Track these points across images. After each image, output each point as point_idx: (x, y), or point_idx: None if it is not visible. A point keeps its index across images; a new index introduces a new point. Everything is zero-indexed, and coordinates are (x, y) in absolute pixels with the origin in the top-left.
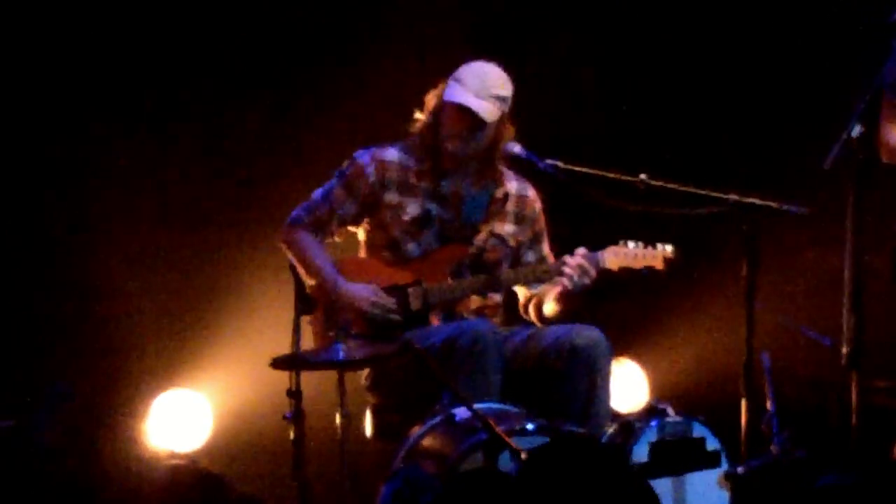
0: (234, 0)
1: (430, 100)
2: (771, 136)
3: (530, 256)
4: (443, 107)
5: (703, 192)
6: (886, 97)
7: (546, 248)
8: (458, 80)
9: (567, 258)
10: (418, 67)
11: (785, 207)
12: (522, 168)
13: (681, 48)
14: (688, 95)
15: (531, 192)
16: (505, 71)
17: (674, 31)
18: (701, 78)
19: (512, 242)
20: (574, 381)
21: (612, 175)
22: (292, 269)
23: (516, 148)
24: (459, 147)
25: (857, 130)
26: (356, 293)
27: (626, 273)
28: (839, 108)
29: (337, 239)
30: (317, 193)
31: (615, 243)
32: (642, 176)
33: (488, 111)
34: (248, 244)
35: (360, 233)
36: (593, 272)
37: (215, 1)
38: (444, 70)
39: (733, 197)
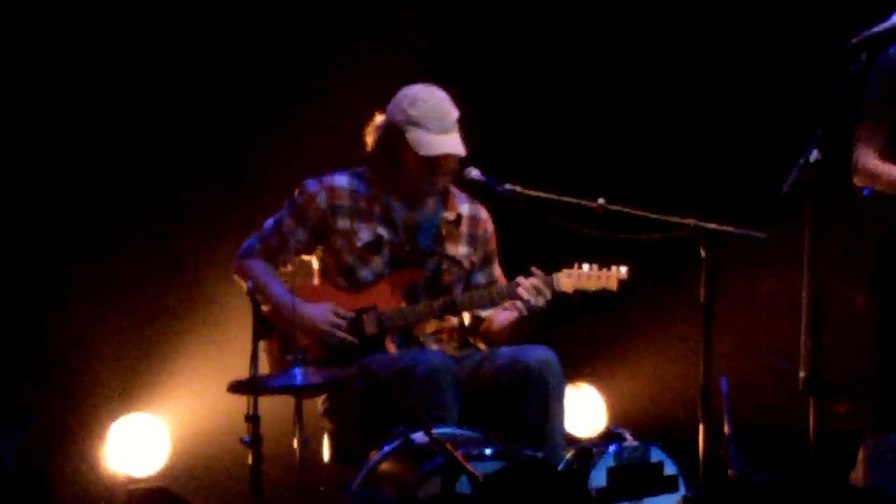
0: (190, 35)
1: (376, 133)
2: (729, 161)
3: (481, 278)
4: (414, 152)
5: (661, 217)
6: (863, 121)
7: (497, 269)
8: (417, 124)
9: (521, 279)
10: (372, 97)
11: (743, 232)
12: (479, 192)
13: (639, 73)
14: (646, 119)
15: (483, 214)
16: (459, 98)
17: (632, 56)
18: (660, 102)
19: (466, 264)
20: (527, 401)
21: (570, 199)
22: (250, 293)
23: (474, 172)
24: (449, 180)
25: (815, 155)
26: (313, 313)
27: (581, 295)
28: (797, 133)
29: (290, 268)
30: (268, 223)
31: (570, 266)
32: (600, 200)
33: (461, 143)
34: (205, 269)
35: (314, 261)
36: (548, 293)
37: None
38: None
39: (691, 221)
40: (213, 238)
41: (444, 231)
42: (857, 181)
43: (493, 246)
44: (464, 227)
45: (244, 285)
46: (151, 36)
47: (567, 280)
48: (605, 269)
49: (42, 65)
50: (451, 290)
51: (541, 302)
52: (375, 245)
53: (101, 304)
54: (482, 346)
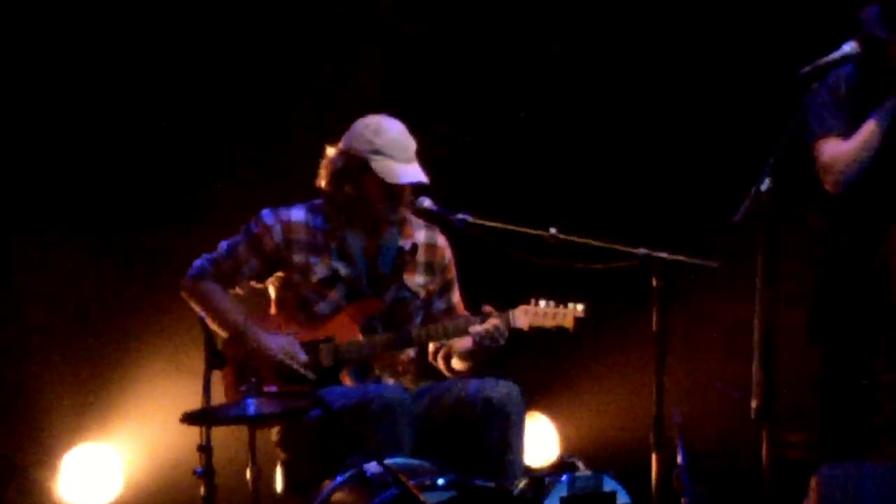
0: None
1: (333, 165)
2: (681, 190)
3: (440, 305)
4: (378, 182)
5: (613, 246)
6: (818, 137)
7: (456, 296)
8: (381, 153)
9: (476, 327)
10: (326, 125)
11: (695, 262)
12: (432, 221)
13: (590, 101)
14: (599, 149)
15: (441, 241)
16: (414, 127)
17: (583, 85)
18: (612, 132)
19: (423, 294)
20: (488, 434)
21: (522, 229)
22: (202, 322)
23: (427, 202)
24: (408, 209)
25: (766, 184)
26: (271, 342)
27: (536, 332)
28: (749, 162)
29: (239, 291)
30: (222, 246)
31: (526, 301)
32: (553, 230)
33: (423, 173)
34: (158, 298)
35: (271, 289)
36: (502, 339)
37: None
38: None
39: (643, 251)
40: (166, 266)
41: (400, 261)
42: (831, 178)
43: (451, 273)
44: (420, 256)
45: (196, 308)
46: (101, 54)
47: (524, 317)
48: (561, 307)
49: None
50: (409, 320)
51: (495, 346)
52: (331, 280)
53: (53, 334)
54: (444, 370)
